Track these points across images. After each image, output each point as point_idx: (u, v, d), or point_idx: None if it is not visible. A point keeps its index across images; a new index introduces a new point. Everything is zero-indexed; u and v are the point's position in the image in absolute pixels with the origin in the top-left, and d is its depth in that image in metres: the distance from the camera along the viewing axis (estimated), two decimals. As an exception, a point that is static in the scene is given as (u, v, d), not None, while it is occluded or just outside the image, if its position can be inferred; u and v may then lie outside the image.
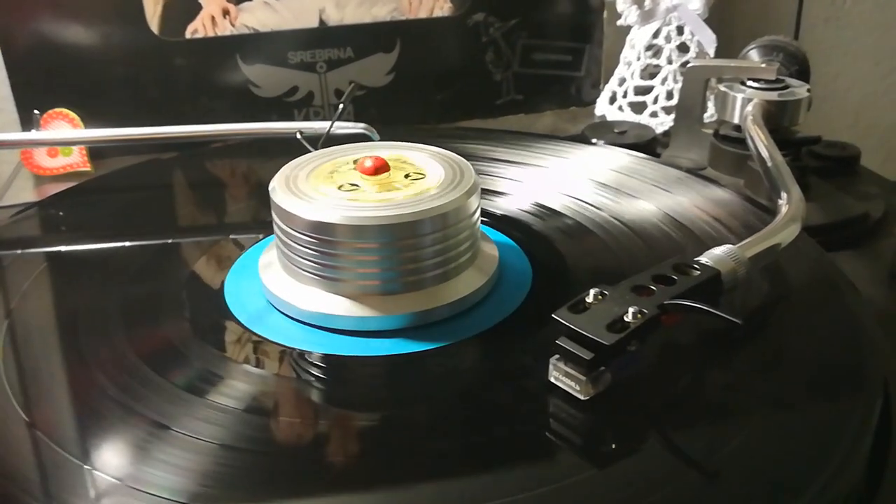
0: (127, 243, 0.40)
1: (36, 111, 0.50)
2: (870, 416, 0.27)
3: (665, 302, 0.28)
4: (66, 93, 0.55)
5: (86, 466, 0.26)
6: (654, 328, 0.27)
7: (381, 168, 0.33)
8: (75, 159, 0.55)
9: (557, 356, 0.27)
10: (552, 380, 0.28)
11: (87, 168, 0.56)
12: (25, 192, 0.54)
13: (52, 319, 0.35)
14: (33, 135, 0.51)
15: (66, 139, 0.53)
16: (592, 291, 0.28)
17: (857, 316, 0.32)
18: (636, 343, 0.27)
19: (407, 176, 0.34)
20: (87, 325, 0.33)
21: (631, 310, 0.27)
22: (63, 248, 0.40)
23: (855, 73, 0.70)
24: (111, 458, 0.26)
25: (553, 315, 0.27)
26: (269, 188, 0.33)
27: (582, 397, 0.27)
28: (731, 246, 0.31)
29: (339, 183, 0.33)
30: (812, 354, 0.31)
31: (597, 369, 0.27)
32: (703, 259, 0.30)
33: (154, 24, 0.56)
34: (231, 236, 0.41)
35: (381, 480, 0.25)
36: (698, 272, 0.30)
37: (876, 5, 0.68)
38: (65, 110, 0.54)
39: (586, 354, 0.26)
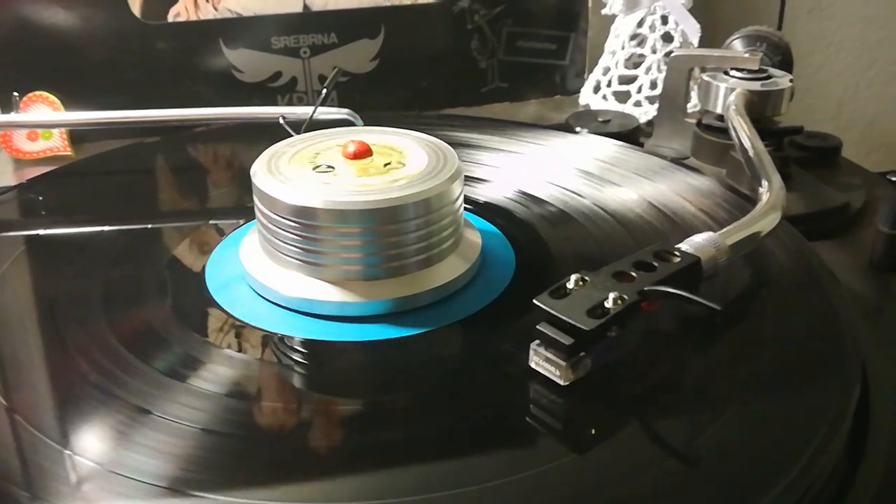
0: (107, 228, 0.40)
1: (15, 93, 0.50)
2: (847, 402, 0.27)
3: (645, 288, 0.28)
4: (46, 75, 0.54)
5: (66, 451, 0.25)
6: (634, 314, 0.28)
7: (364, 153, 0.33)
8: (55, 143, 0.55)
9: (538, 341, 0.27)
10: (533, 365, 0.28)
11: (68, 152, 0.55)
12: (4, 177, 0.54)
13: (31, 303, 0.35)
14: (12, 117, 0.50)
15: (45, 121, 0.53)
16: (573, 277, 0.28)
17: (835, 304, 0.32)
18: (616, 329, 0.27)
19: (390, 161, 0.34)
20: (67, 309, 0.33)
21: (611, 296, 0.27)
22: (42, 232, 0.40)
23: (837, 64, 0.70)
24: (91, 443, 0.26)
25: (534, 300, 0.27)
26: (251, 172, 0.33)
27: (562, 382, 0.27)
28: (711, 233, 0.31)
29: (321, 167, 0.33)
30: (791, 342, 0.31)
31: (577, 355, 0.27)
32: (684, 246, 0.31)
33: (136, 6, 0.56)
34: (211, 221, 0.41)
35: (362, 465, 0.26)
36: (679, 259, 0.30)
37: (858, -3, 0.69)
38: (45, 93, 0.54)
39: (566, 340, 0.26)
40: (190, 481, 0.24)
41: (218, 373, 0.29)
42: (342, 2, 0.59)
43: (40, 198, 0.44)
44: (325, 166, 0.33)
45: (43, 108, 0.53)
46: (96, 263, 0.37)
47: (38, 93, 0.53)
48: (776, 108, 0.47)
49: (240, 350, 0.31)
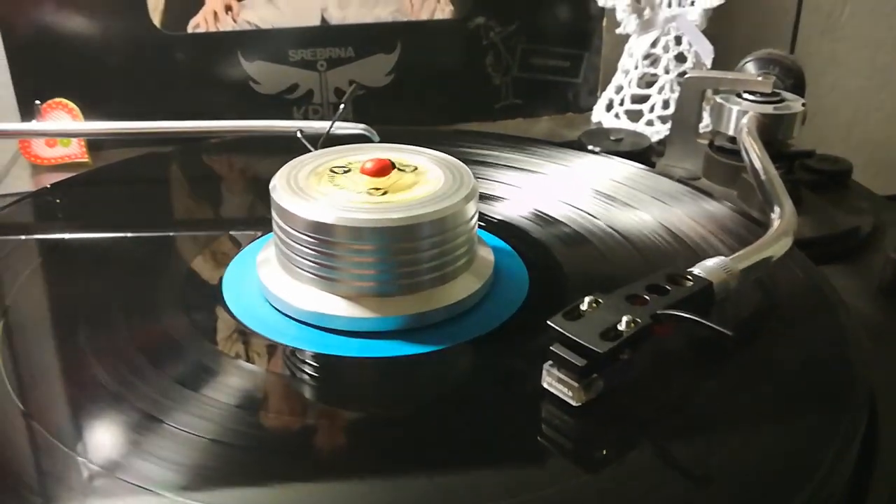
0: (126, 235, 0.40)
1: (37, 101, 0.50)
2: (856, 427, 0.27)
3: (658, 312, 0.28)
4: (66, 83, 0.55)
5: (79, 457, 0.26)
6: (646, 337, 0.28)
7: (382, 170, 0.33)
8: (73, 150, 0.55)
9: (551, 362, 0.28)
10: (545, 385, 0.28)
11: (86, 159, 0.56)
12: (22, 181, 0.54)
13: (48, 309, 0.35)
14: (33, 125, 0.51)
15: (65, 131, 0.53)
16: (587, 299, 0.28)
17: (845, 329, 0.32)
18: (628, 351, 0.27)
19: (407, 179, 0.34)
20: (84, 316, 0.33)
21: (624, 318, 0.27)
22: (61, 237, 0.40)
23: (848, 86, 0.71)
24: (104, 450, 0.26)
25: (547, 322, 0.27)
26: (270, 186, 0.33)
27: (574, 403, 0.27)
28: (723, 258, 0.31)
29: (339, 183, 0.33)
30: (801, 366, 0.31)
31: (589, 376, 0.27)
32: (696, 270, 0.31)
33: (156, 17, 0.56)
34: (230, 232, 0.41)
35: (372, 482, 0.26)
36: (691, 283, 0.30)
37: (870, 20, 0.69)
38: (64, 101, 0.54)
39: (579, 361, 0.26)
40: (199, 491, 0.24)
41: (230, 383, 0.29)
42: (359, 16, 0.59)
43: (58, 200, 0.44)
44: (343, 182, 0.33)
45: (62, 116, 0.54)
46: (114, 271, 0.37)
47: (58, 100, 0.54)
48: (788, 131, 0.47)
49: (252, 362, 0.31)
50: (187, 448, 0.26)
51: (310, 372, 0.31)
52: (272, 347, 0.31)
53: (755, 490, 0.25)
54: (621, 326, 0.27)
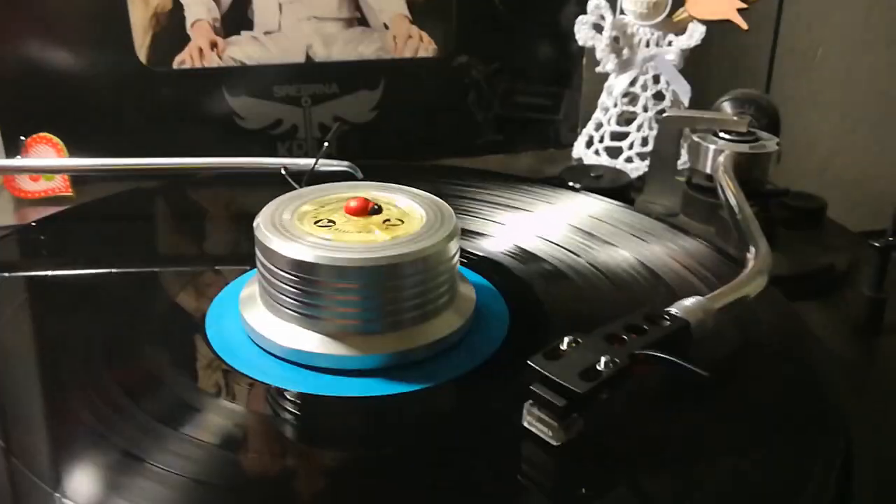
0: (110, 271, 0.40)
1: (22, 137, 0.50)
2: (830, 465, 0.28)
3: (636, 352, 0.28)
4: (51, 118, 0.55)
5: (59, 495, 0.25)
6: (625, 377, 0.28)
7: (364, 209, 0.34)
8: (57, 184, 0.55)
9: (531, 401, 0.28)
10: (526, 424, 0.28)
11: (69, 193, 0.55)
12: (5, 215, 0.54)
13: (31, 346, 0.35)
14: (16, 161, 0.51)
15: (49, 167, 0.53)
16: (566, 339, 0.28)
17: (819, 366, 0.33)
18: (608, 391, 0.27)
19: (389, 218, 0.34)
20: (67, 353, 0.33)
21: (603, 359, 0.27)
22: (45, 273, 0.40)
23: (823, 125, 0.72)
24: (84, 488, 0.26)
25: (528, 361, 0.28)
26: (254, 225, 0.33)
27: (554, 443, 0.27)
28: (700, 297, 0.32)
29: (323, 222, 0.34)
30: (776, 404, 0.31)
31: (569, 416, 0.27)
32: (674, 310, 0.31)
33: (142, 53, 0.56)
34: (215, 268, 0.41)
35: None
36: (669, 323, 0.30)
37: (843, 60, 0.70)
38: (49, 135, 0.54)
39: (559, 401, 0.27)
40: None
41: (212, 423, 0.29)
42: (344, 54, 0.60)
43: (42, 237, 0.44)
44: (327, 221, 0.34)
45: (47, 151, 0.54)
46: (97, 307, 0.37)
47: (42, 135, 0.54)
48: (763, 170, 0.47)
49: (234, 400, 0.31)
50: (167, 488, 0.26)
51: (292, 410, 0.31)
52: (254, 386, 0.31)
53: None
54: (600, 366, 0.27)
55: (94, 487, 0.26)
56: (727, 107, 0.53)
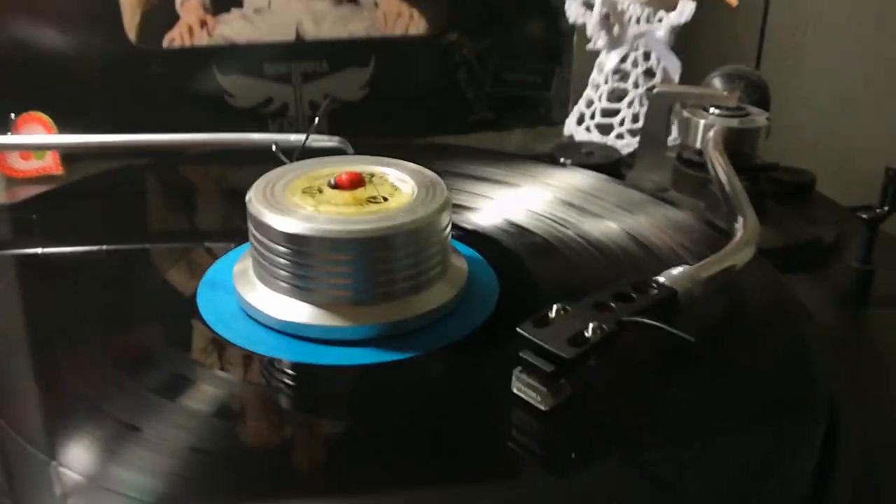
0: (101, 248, 0.41)
1: (12, 114, 0.50)
2: (814, 434, 0.28)
3: (623, 319, 0.29)
4: (41, 97, 0.55)
5: (55, 463, 0.26)
6: (612, 343, 0.28)
7: (356, 182, 0.34)
8: (48, 162, 0.56)
9: (520, 368, 0.28)
10: (515, 391, 0.28)
11: (60, 171, 0.56)
12: (-5, 195, 0.54)
13: (24, 321, 0.35)
14: (7, 138, 0.51)
15: (40, 144, 0.53)
16: (555, 307, 0.29)
17: (805, 336, 0.33)
18: (595, 357, 0.28)
19: (380, 191, 0.34)
20: (60, 328, 0.33)
21: (591, 325, 0.28)
22: (36, 251, 0.41)
23: (813, 102, 0.72)
24: (81, 457, 0.27)
25: (517, 328, 0.28)
26: (246, 199, 0.34)
27: (543, 408, 0.28)
28: (687, 266, 0.32)
29: (314, 195, 0.34)
30: (762, 372, 0.32)
31: (557, 381, 0.28)
32: (661, 278, 0.31)
33: (132, 32, 0.56)
34: (206, 244, 0.41)
35: (345, 487, 0.26)
36: (656, 291, 0.31)
37: (833, 37, 0.70)
38: (39, 114, 0.54)
39: (547, 367, 0.27)
40: (176, 498, 0.25)
41: (206, 393, 0.30)
42: (333, 31, 0.60)
43: (33, 216, 0.44)
44: (318, 194, 0.34)
45: (37, 129, 0.54)
46: (89, 284, 0.37)
47: (32, 113, 0.54)
48: (753, 145, 0.48)
49: (228, 371, 0.31)
50: (164, 456, 0.26)
51: (286, 381, 0.31)
52: (248, 357, 0.32)
53: (718, 493, 0.26)
54: (588, 333, 0.28)
55: (89, 455, 0.27)
56: (717, 82, 0.53)
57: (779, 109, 0.51)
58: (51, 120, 0.54)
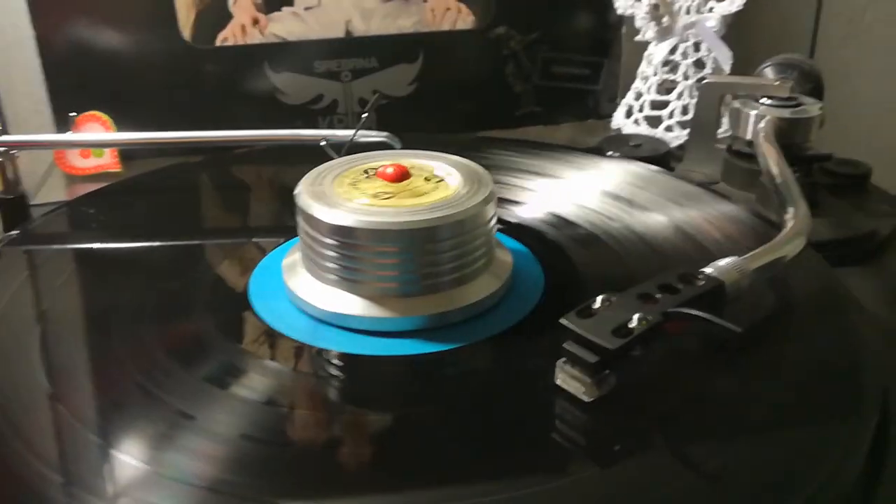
0: (155, 243, 0.42)
1: (72, 113, 0.52)
2: (865, 431, 0.27)
3: (668, 310, 0.28)
4: (99, 96, 0.56)
5: (113, 451, 0.27)
6: (657, 335, 0.28)
7: (402, 175, 0.35)
8: (106, 160, 0.57)
9: (564, 359, 0.28)
10: (558, 382, 0.28)
11: (118, 169, 0.57)
12: (57, 192, 0.56)
13: (83, 313, 0.36)
14: (68, 136, 0.52)
15: (98, 141, 0.55)
16: (599, 298, 0.29)
17: (858, 330, 0.33)
18: (640, 348, 0.28)
19: (427, 183, 0.35)
20: (117, 319, 0.34)
21: (635, 316, 0.28)
22: (94, 246, 0.42)
23: (871, 90, 0.70)
24: (138, 444, 0.27)
25: (560, 320, 0.28)
26: (295, 192, 0.34)
27: (586, 399, 0.28)
28: (736, 258, 0.32)
29: (361, 188, 0.34)
30: (813, 366, 0.31)
31: (601, 373, 0.27)
32: (708, 270, 0.31)
33: (186, 31, 0.58)
34: (256, 239, 0.42)
35: (391, 475, 0.26)
36: (703, 282, 0.30)
37: (891, 26, 0.68)
38: (98, 113, 0.55)
39: (591, 358, 0.27)
40: (227, 483, 0.25)
41: (257, 382, 0.30)
42: (382, 28, 0.60)
43: (91, 211, 0.45)
44: (365, 187, 0.34)
45: (96, 128, 0.55)
46: (145, 277, 0.38)
47: (91, 112, 0.55)
48: (806, 135, 0.47)
49: (278, 361, 0.32)
50: (216, 443, 0.27)
51: (334, 371, 0.32)
52: (297, 348, 0.32)
53: (765, 488, 0.25)
54: (632, 324, 0.28)
55: (146, 441, 0.28)
56: (769, 72, 0.52)
57: (833, 99, 0.50)
58: (109, 119, 0.55)
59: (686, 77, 0.59)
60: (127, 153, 0.58)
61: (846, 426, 0.28)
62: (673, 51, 0.58)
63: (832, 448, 0.27)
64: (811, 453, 0.27)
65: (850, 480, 0.26)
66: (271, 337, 0.33)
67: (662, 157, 0.53)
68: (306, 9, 0.59)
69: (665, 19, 0.58)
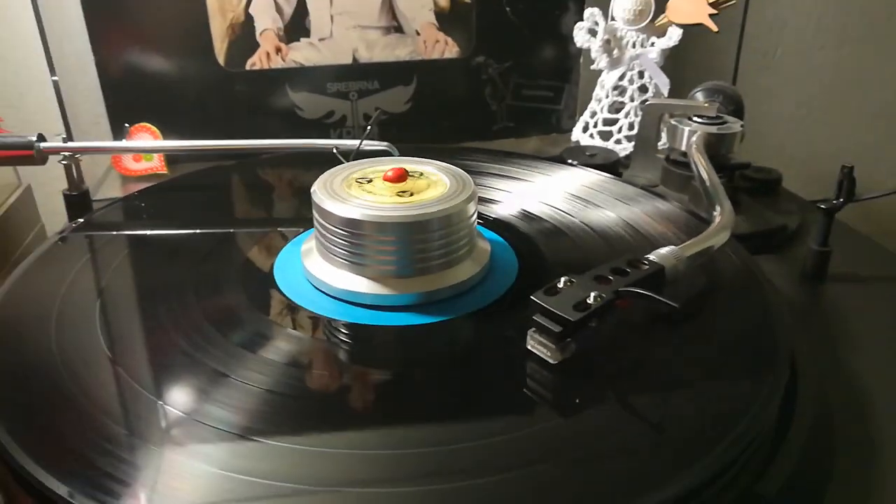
0: (196, 231, 0.41)
1: (126, 124, 0.51)
2: (778, 384, 0.28)
3: (620, 289, 0.28)
4: (149, 110, 0.56)
5: (161, 402, 0.27)
6: (610, 309, 0.28)
7: (400, 177, 0.34)
8: (155, 164, 0.56)
9: (534, 329, 0.28)
10: (529, 347, 0.28)
11: (164, 171, 0.56)
12: (114, 189, 0.55)
13: (136, 290, 0.36)
14: (122, 143, 0.52)
15: (148, 147, 0.54)
16: (563, 279, 0.29)
17: (772, 305, 0.33)
18: (595, 320, 0.28)
19: (420, 184, 0.35)
20: (164, 295, 0.34)
21: (592, 294, 0.28)
22: (144, 233, 0.41)
23: (781, 112, 0.71)
24: (182, 398, 0.27)
25: (531, 297, 0.28)
26: (311, 190, 0.34)
27: (552, 362, 0.28)
28: (673, 247, 0.32)
29: (366, 188, 0.34)
30: (736, 334, 0.31)
31: (564, 340, 0.27)
32: (651, 256, 0.31)
33: (221, 57, 0.57)
34: (279, 229, 0.42)
35: (390, 423, 0.26)
36: (647, 266, 0.30)
37: (798, 59, 0.69)
38: (147, 124, 0.55)
39: (556, 328, 0.27)
40: (256, 430, 0.25)
41: (280, 347, 0.30)
42: (383, 56, 0.60)
43: (142, 204, 0.45)
44: (369, 187, 0.34)
45: (146, 137, 0.55)
46: (187, 260, 0.38)
47: (142, 124, 0.55)
48: (729, 147, 0.47)
49: (297, 330, 0.32)
50: (247, 396, 0.27)
51: (343, 338, 0.32)
52: (314, 319, 0.32)
53: (697, 433, 0.25)
54: (590, 300, 0.28)
55: (188, 396, 0.27)
56: (700, 96, 0.52)
57: (751, 118, 0.50)
58: (157, 129, 0.55)
59: (632, 99, 0.58)
60: (172, 158, 0.57)
61: (764, 380, 0.28)
62: (621, 77, 0.58)
63: (753, 398, 0.27)
64: (735, 404, 0.27)
65: (769, 423, 0.27)
66: (292, 310, 0.33)
67: (612, 165, 0.53)
68: (320, 39, 0.58)
69: (615, 52, 0.58)
